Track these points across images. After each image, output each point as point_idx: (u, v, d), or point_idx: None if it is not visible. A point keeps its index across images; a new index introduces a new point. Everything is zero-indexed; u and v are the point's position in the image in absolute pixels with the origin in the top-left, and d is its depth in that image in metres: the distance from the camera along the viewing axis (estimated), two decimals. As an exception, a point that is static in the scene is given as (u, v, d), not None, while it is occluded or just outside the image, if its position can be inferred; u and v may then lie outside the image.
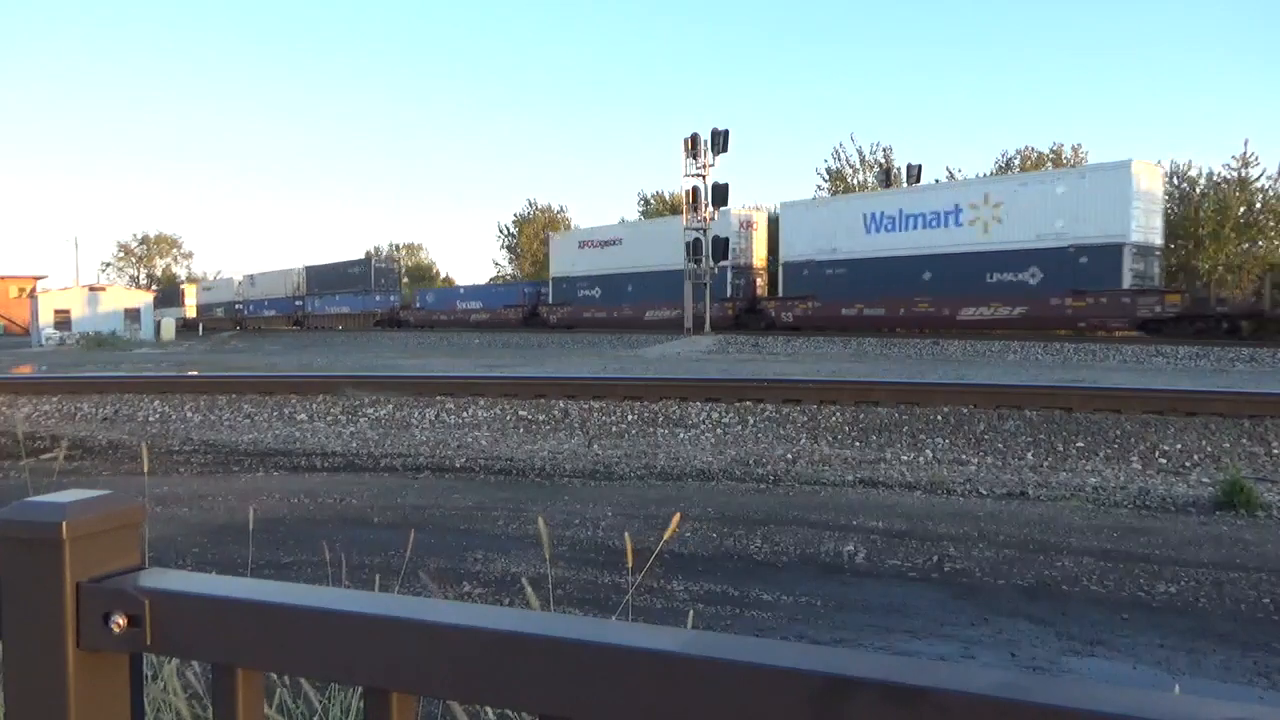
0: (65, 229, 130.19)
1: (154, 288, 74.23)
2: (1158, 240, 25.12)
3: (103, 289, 52.95)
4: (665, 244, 35.18)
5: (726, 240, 33.47)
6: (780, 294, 33.16)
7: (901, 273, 28.49)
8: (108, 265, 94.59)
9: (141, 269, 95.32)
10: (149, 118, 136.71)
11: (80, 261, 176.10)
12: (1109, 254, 24.04)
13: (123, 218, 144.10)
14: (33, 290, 58.50)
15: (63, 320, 48.38)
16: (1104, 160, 26.02)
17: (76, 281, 59.71)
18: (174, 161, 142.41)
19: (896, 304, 28.80)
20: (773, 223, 35.46)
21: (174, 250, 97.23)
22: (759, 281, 34.94)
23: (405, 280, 69.33)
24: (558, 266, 41.28)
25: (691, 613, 2.62)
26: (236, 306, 64.29)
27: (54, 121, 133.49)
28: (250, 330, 56.93)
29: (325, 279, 54.43)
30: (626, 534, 2.27)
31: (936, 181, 31.70)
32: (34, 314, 49.81)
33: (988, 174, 43.44)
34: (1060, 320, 25.35)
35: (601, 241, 39.17)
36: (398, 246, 79.59)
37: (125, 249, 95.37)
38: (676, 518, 2.03)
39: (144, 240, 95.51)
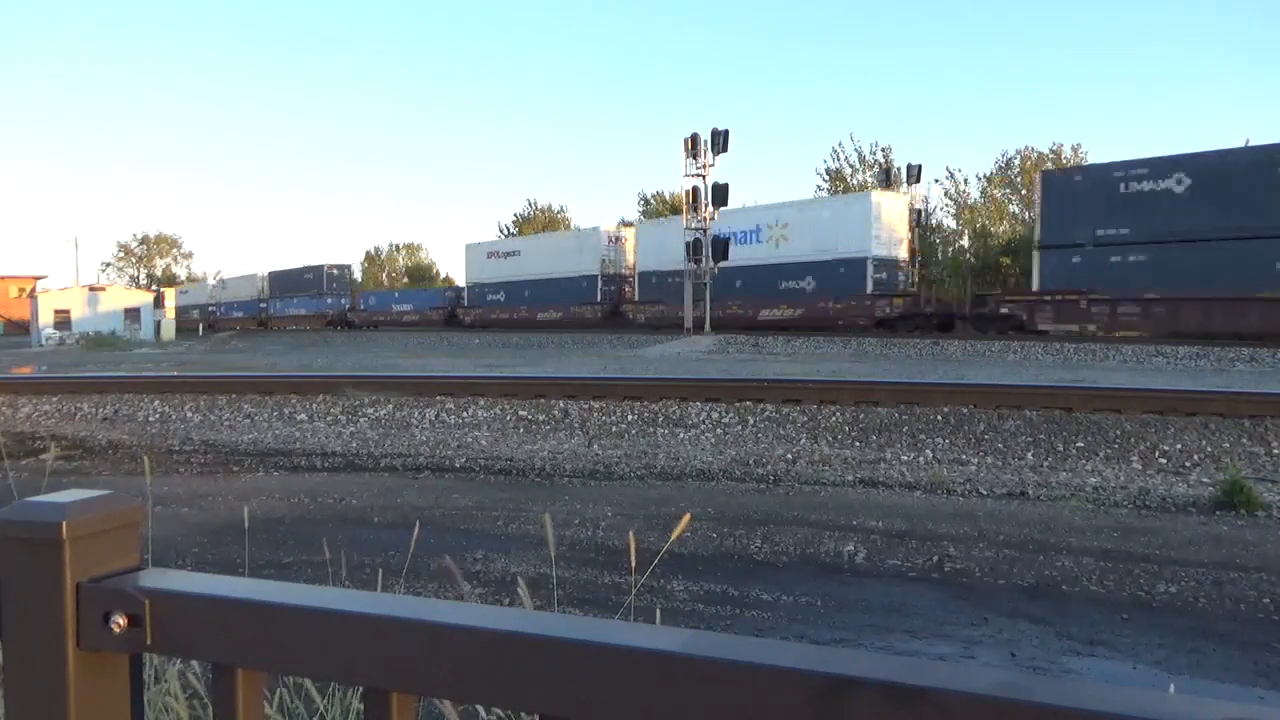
0: (65, 229, 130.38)
1: (154, 287, 75.92)
2: (901, 254, 32.13)
3: (103, 289, 52.92)
4: (554, 255, 41.65)
5: (727, 241, 33.74)
6: (637, 299, 38.94)
7: (721, 281, 34.29)
8: (108, 265, 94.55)
9: (141, 269, 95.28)
10: (149, 118, 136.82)
11: (80, 261, 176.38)
12: (857, 265, 31.00)
13: (123, 218, 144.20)
14: (33, 290, 58.44)
15: (63, 320, 48.36)
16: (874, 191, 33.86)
17: (76, 281, 59.71)
18: (174, 161, 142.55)
19: (717, 307, 34.38)
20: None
21: (174, 250, 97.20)
22: (626, 288, 40.39)
23: (405, 280, 70.44)
24: (471, 274, 47.27)
25: (659, 610, 2.61)
26: (209, 309, 68.06)
27: (54, 121, 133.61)
28: (219, 330, 60.80)
29: (284, 284, 59.82)
30: (631, 534, 2.27)
31: (743, 207, 37.24)
32: (34, 314, 49.76)
33: (988, 174, 43.66)
34: (826, 319, 31.37)
35: (504, 253, 45.89)
36: (397, 246, 79.64)
37: (125, 249, 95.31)
38: (686, 519, 2.01)
39: (144, 240, 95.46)
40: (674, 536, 1.98)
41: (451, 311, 47.25)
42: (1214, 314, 22.59)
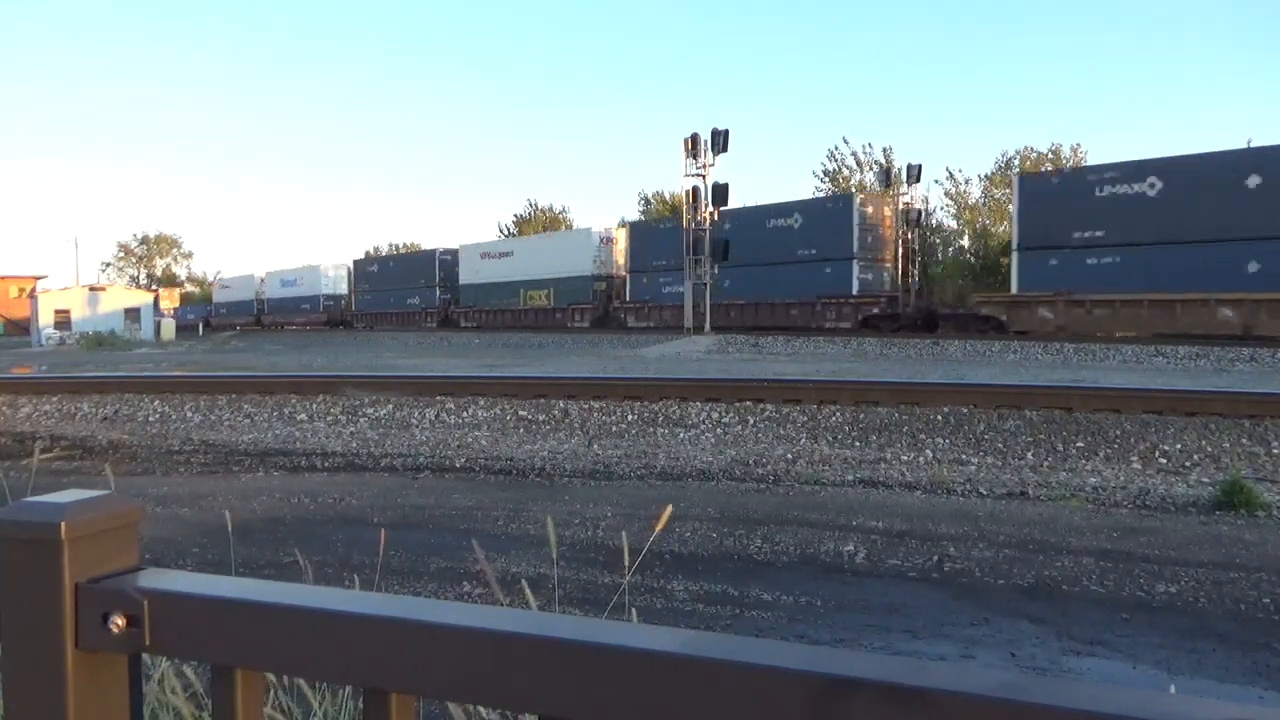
0: (65, 229, 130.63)
1: (154, 287, 79.47)
2: (344, 290, 58.57)
3: (103, 289, 52.94)
4: (242, 289, 69.87)
5: (727, 243, 33.57)
6: (266, 311, 65.71)
7: (288, 303, 62.63)
8: (108, 265, 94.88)
9: (141, 269, 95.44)
10: (149, 118, 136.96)
11: (80, 261, 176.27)
12: (319, 297, 57.86)
13: (123, 218, 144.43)
14: (33, 290, 58.44)
15: (63, 320, 48.36)
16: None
17: (76, 281, 59.74)
18: (174, 162, 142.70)
19: (282, 314, 62.87)
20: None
21: (174, 250, 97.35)
22: (265, 307, 65.40)
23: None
24: (215, 296, 76.63)
25: (634, 610, 2.62)
26: None
27: (54, 121, 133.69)
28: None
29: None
30: (624, 534, 2.28)
31: (304, 267, 62.92)
32: (34, 314, 49.75)
33: (989, 174, 43.84)
34: (316, 322, 57.19)
35: (225, 284, 75.28)
36: (397, 246, 79.74)
37: (125, 249, 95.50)
38: (668, 510, 2.05)
39: (144, 240, 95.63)
40: (657, 529, 2.01)
41: (206, 320, 70.10)
42: (1180, 314, 23.34)
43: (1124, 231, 23.78)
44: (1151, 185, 23.65)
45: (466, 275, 46.14)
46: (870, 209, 31.04)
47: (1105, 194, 24.29)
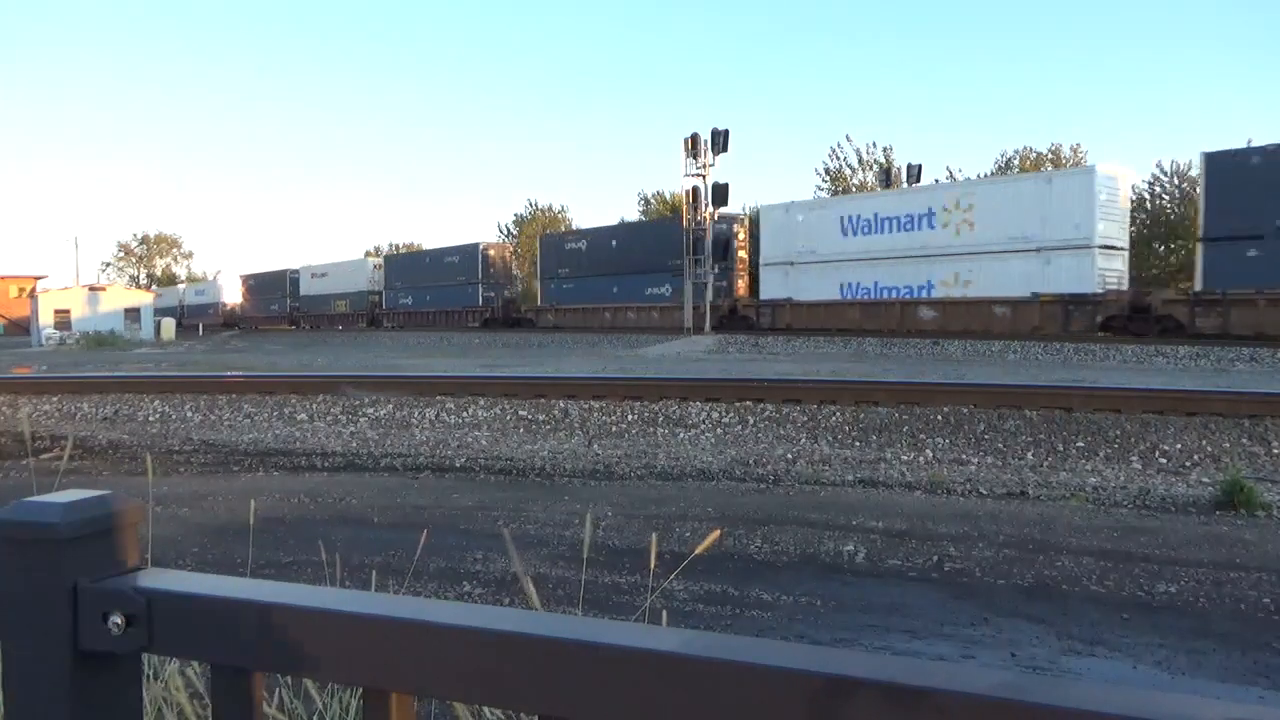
0: (65, 229, 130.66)
1: (153, 287, 79.80)
2: (236, 300, 69.99)
3: (103, 289, 52.88)
4: (169, 297, 76.20)
5: (728, 242, 34.33)
6: (187, 317, 69.69)
7: (199, 308, 73.24)
8: (108, 265, 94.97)
9: (141, 269, 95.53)
10: (149, 117, 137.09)
11: (80, 261, 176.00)
12: (214, 305, 70.51)
13: (123, 218, 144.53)
14: (33, 290, 58.43)
15: (63, 320, 48.31)
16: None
17: (76, 281, 59.76)
18: (174, 161, 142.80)
19: (188, 316, 70.52)
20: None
21: (174, 250, 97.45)
22: (184, 312, 71.91)
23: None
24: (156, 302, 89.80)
25: (664, 611, 2.61)
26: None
27: (54, 121, 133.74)
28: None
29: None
30: (653, 536, 2.27)
31: (208, 279, 76.47)
32: (34, 314, 49.71)
33: (988, 174, 43.86)
34: (227, 321, 67.11)
35: (159, 294, 78.80)
36: (398, 245, 79.82)
37: (125, 249, 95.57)
38: (714, 534, 2.04)
39: (144, 240, 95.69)
40: (699, 551, 1.99)
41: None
42: (609, 318, 39.95)
43: (576, 269, 41.87)
44: (583, 244, 42.05)
45: (304, 289, 62.35)
46: (493, 253, 48.73)
47: (568, 248, 42.93)
